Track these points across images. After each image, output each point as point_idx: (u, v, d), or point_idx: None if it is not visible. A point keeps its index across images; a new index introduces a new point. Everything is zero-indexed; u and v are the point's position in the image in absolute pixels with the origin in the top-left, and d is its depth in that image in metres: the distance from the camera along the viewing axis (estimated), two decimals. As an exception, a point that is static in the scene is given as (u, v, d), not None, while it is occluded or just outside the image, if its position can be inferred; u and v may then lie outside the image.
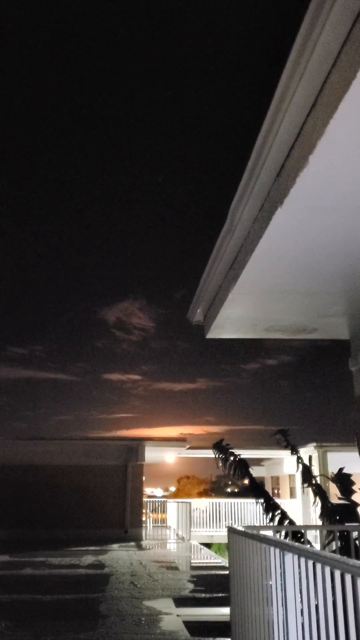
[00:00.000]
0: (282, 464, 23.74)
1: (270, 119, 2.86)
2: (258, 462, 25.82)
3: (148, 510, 21.58)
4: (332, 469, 7.34)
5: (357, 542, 5.35)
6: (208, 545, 19.24)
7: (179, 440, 20.50)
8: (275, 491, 25.88)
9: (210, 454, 6.74)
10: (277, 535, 5.34)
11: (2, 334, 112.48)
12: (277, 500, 6.83)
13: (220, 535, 21.21)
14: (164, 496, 48.30)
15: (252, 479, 6.33)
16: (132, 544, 16.96)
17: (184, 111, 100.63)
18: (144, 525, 19.10)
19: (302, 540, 5.57)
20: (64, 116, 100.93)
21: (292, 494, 23.11)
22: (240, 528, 4.74)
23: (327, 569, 2.89)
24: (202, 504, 23.16)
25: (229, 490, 65.07)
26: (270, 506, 6.05)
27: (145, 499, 20.55)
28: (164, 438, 20.72)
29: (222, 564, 12.49)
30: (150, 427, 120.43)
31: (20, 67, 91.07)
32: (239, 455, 6.45)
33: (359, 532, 5.41)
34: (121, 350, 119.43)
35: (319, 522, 6.05)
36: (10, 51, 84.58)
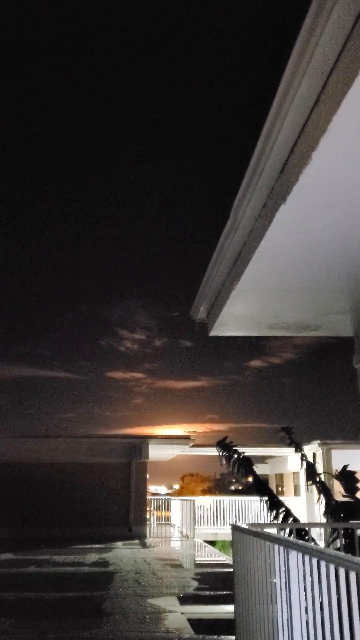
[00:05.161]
0: (286, 462, 23.74)
1: (273, 115, 2.85)
2: (262, 459, 25.81)
3: (152, 508, 21.57)
4: (336, 467, 7.33)
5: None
6: (212, 543, 19.25)
7: (183, 438, 20.51)
8: (279, 489, 25.86)
9: (214, 451, 6.73)
10: (281, 533, 5.33)
11: (6, 333, 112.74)
12: (281, 498, 6.82)
13: (224, 533, 21.22)
14: (168, 494, 48.32)
15: (256, 476, 6.32)
16: (136, 541, 16.97)
17: (187, 107, 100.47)
18: (147, 523, 19.10)
19: (306, 538, 5.57)
20: (65, 115, 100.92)
21: (296, 492, 23.09)
22: (245, 526, 4.74)
23: (332, 567, 2.89)
24: (206, 502, 23.18)
25: (233, 487, 65.13)
26: (274, 504, 6.05)
27: (149, 497, 20.55)
28: (168, 436, 20.71)
29: (226, 562, 12.49)
30: (153, 425, 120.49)
31: (19, 63, 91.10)
32: (243, 452, 6.44)
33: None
34: (124, 348, 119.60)
35: (323, 520, 6.04)
36: (10, 49, 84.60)
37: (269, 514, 6.06)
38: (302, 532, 5.67)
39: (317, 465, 6.51)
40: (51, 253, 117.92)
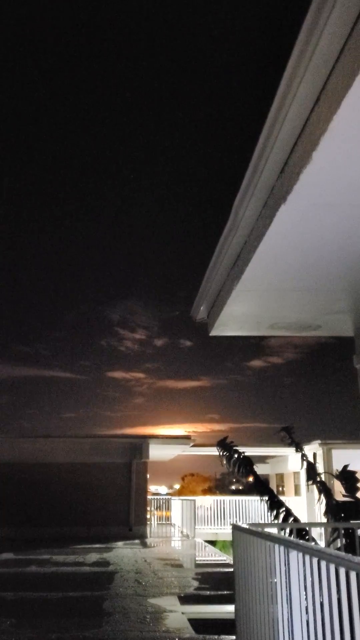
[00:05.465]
0: (286, 462, 23.73)
1: (274, 115, 2.85)
2: (262, 459, 25.80)
3: (152, 508, 21.59)
4: (337, 467, 7.33)
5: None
6: (212, 543, 19.25)
7: (183, 438, 20.50)
8: (280, 489, 25.85)
9: (214, 451, 6.73)
10: (282, 533, 5.33)
11: (7, 332, 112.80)
12: (282, 498, 6.82)
13: (224, 532, 21.21)
14: (168, 494, 48.31)
15: (256, 476, 6.32)
16: (137, 541, 16.97)
17: (187, 107, 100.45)
18: (148, 522, 19.11)
19: (307, 537, 5.56)
20: (65, 115, 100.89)
21: (297, 492, 23.08)
22: (245, 525, 4.74)
23: (332, 567, 2.89)
24: (206, 502, 23.18)
25: (233, 487, 65.14)
26: (275, 503, 6.04)
27: (149, 497, 20.55)
28: (168, 436, 20.69)
29: (226, 562, 12.49)
30: (154, 425, 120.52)
31: (19, 62, 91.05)
32: (243, 452, 6.44)
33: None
34: (125, 348, 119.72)
35: (324, 520, 6.04)
36: (10, 48, 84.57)
37: (269, 513, 6.06)
38: (302, 532, 5.66)
39: (317, 465, 6.51)
40: (52, 253, 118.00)
